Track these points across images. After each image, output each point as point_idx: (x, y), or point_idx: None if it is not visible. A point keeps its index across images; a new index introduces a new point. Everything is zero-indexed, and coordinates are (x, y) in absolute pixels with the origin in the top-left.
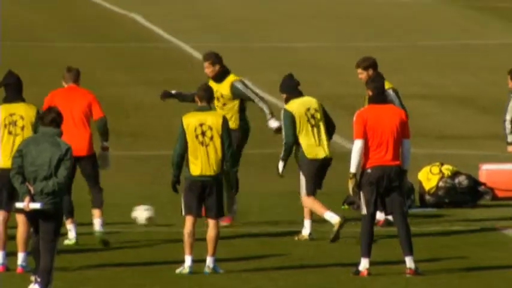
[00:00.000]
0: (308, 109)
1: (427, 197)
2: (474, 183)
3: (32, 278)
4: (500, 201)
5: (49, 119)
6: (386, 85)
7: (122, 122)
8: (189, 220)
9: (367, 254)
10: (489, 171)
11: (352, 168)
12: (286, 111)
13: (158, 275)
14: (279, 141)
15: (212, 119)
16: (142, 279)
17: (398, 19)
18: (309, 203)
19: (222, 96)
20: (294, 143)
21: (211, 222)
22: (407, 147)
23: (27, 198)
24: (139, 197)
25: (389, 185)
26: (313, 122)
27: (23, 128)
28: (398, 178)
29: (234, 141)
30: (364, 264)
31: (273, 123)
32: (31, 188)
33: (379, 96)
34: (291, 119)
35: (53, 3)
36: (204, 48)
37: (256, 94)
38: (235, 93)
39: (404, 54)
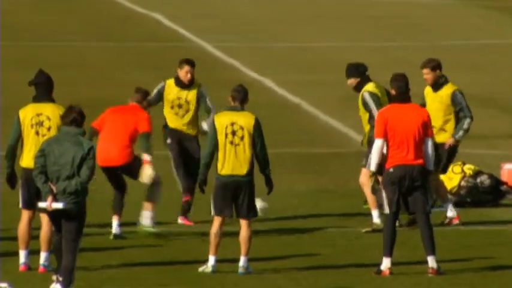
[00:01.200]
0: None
1: (449, 196)
2: (496, 182)
3: (54, 277)
4: None
5: (70, 119)
6: (451, 87)
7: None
8: (217, 220)
9: (389, 254)
10: (511, 171)
11: (372, 167)
12: (371, 93)
13: (180, 274)
14: (300, 141)
15: (244, 119)
16: (164, 278)
17: (417, 19)
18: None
19: (187, 102)
20: None
21: (243, 223)
22: (430, 147)
23: (49, 198)
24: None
25: (411, 184)
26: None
27: (49, 128)
28: (421, 177)
29: (197, 148)
30: (386, 263)
31: (205, 126)
32: (54, 188)
33: (402, 96)
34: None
35: (73, 4)
36: (225, 48)
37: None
38: (202, 98)
39: (423, 54)
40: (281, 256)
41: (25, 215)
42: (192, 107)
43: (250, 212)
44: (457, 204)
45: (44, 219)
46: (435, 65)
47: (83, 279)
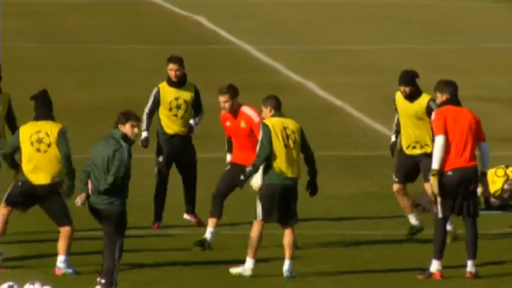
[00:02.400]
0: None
1: (492, 200)
2: None
3: (98, 279)
4: None
5: (115, 121)
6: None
7: None
8: (260, 224)
9: (440, 256)
10: None
11: (436, 165)
12: (432, 100)
13: (225, 276)
14: (342, 144)
15: (292, 124)
16: (208, 280)
17: (460, 21)
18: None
19: (185, 102)
20: None
21: (287, 227)
22: (485, 150)
23: (81, 195)
24: (201, 199)
25: (467, 187)
26: None
27: (49, 145)
28: (475, 180)
29: (192, 150)
30: (436, 266)
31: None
32: (89, 187)
33: (455, 99)
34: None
35: (115, 7)
36: (267, 50)
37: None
38: (197, 98)
39: (467, 56)
40: (325, 259)
41: (4, 210)
42: (189, 107)
43: (294, 216)
44: (500, 208)
45: (63, 232)
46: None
47: (128, 280)
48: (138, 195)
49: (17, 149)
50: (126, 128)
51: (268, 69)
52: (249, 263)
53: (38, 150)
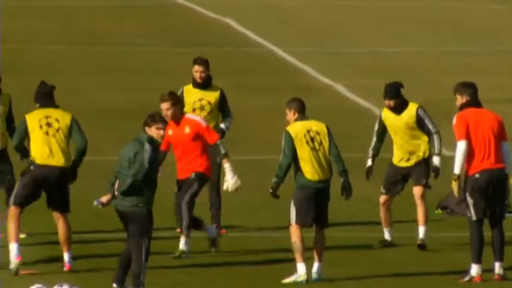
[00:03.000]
0: None
1: None
2: None
3: (114, 285)
4: None
5: (143, 123)
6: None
7: None
8: (298, 228)
9: (479, 260)
10: None
11: (457, 170)
12: (420, 108)
13: (251, 279)
14: (366, 147)
15: (317, 126)
16: (235, 283)
17: (486, 24)
18: None
19: (209, 103)
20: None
21: (320, 230)
22: (507, 150)
23: (105, 196)
24: (233, 202)
25: (495, 189)
26: None
27: (58, 130)
28: (502, 182)
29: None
30: (476, 270)
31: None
32: (115, 188)
33: (476, 100)
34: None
35: (145, 9)
36: (297, 53)
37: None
38: (222, 100)
39: (494, 59)
40: (352, 262)
41: (15, 210)
42: (214, 109)
43: (326, 220)
44: None
45: (62, 220)
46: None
47: (155, 284)
48: (161, 196)
49: (23, 138)
50: (152, 131)
51: (297, 72)
52: (300, 268)
53: (47, 133)
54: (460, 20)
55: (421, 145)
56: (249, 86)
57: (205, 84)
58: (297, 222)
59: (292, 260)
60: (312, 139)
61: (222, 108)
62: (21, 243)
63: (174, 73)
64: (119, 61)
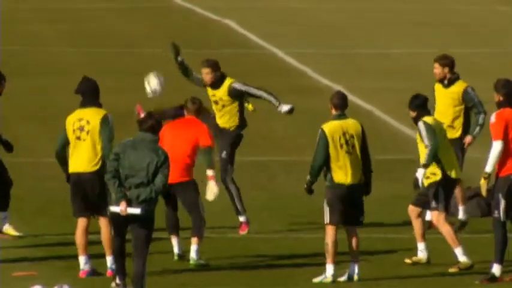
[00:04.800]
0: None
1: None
2: None
3: (113, 284)
4: None
5: (148, 125)
6: (463, 83)
7: None
8: (333, 229)
9: (502, 261)
10: None
11: (489, 168)
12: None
13: (253, 281)
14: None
15: (353, 127)
16: (238, 284)
17: (495, 25)
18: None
19: (220, 99)
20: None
21: (351, 230)
22: None
23: (123, 203)
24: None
25: None
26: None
27: (88, 132)
28: None
29: (227, 141)
30: (499, 270)
31: (285, 107)
32: (127, 193)
33: (511, 100)
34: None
35: (145, 10)
36: (298, 54)
37: (259, 88)
38: (235, 94)
39: (501, 61)
40: (366, 263)
41: (80, 222)
42: (229, 103)
43: (361, 219)
44: None
45: (103, 223)
46: (446, 63)
47: (157, 284)
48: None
49: (66, 142)
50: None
51: (298, 73)
52: (329, 269)
53: (78, 138)
54: (464, 22)
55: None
56: None
57: (215, 84)
58: (332, 222)
59: (296, 263)
60: (347, 142)
61: (242, 97)
62: (19, 245)
63: (175, 75)
64: (119, 63)
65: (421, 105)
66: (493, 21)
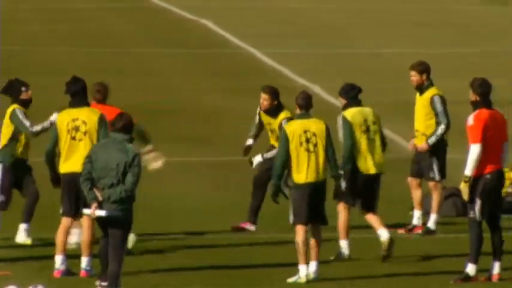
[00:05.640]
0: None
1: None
2: None
3: (97, 282)
4: None
5: (120, 125)
6: (434, 91)
7: (193, 128)
8: (301, 228)
9: (477, 260)
10: None
11: (469, 172)
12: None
13: (230, 282)
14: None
15: (315, 126)
16: (210, 285)
17: (487, 26)
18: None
19: (275, 130)
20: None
21: (315, 229)
22: (506, 151)
23: (94, 205)
24: (208, 203)
25: (500, 189)
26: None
27: (85, 133)
28: (503, 183)
29: None
30: (474, 269)
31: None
32: (99, 195)
33: (487, 101)
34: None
35: (126, 10)
36: (276, 54)
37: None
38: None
39: (490, 60)
40: (324, 261)
41: (64, 221)
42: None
43: (324, 218)
44: (506, 211)
45: (85, 223)
46: (422, 69)
47: (131, 285)
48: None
49: (57, 141)
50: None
51: (275, 73)
52: (302, 269)
53: (73, 138)
54: (455, 21)
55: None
56: (226, 87)
57: (271, 111)
58: (298, 221)
59: (272, 263)
60: (308, 140)
61: None
62: None
63: (153, 74)
64: (98, 63)
65: (353, 96)
66: (492, 21)
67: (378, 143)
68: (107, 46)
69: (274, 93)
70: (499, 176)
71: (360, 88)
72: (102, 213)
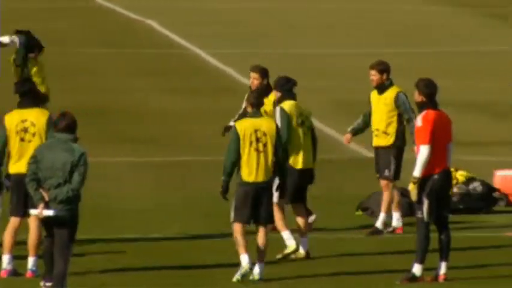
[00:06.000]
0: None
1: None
2: (488, 189)
3: (41, 283)
4: None
5: (63, 125)
6: (396, 89)
7: (139, 128)
8: (239, 226)
9: (423, 260)
10: (504, 177)
11: (418, 173)
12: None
13: (173, 282)
14: None
15: (266, 125)
16: (158, 285)
17: (419, 26)
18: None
19: (265, 113)
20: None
21: (261, 230)
22: (452, 151)
23: (41, 205)
24: (157, 203)
25: (448, 190)
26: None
27: (34, 134)
28: (451, 182)
29: None
30: (420, 270)
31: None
32: (45, 195)
33: (433, 102)
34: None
35: (67, 11)
36: (220, 54)
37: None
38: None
39: (421, 61)
40: (272, 262)
41: (12, 221)
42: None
43: (270, 219)
44: (452, 211)
45: (32, 224)
46: (383, 69)
47: (77, 285)
48: (87, 198)
49: (6, 141)
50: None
51: (219, 73)
52: (243, 259)
53: (22, 139)
54: (388, 21)
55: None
56: (171, 88)
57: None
58: (236, 219)
59: (215, 263)
60: (258, 139)
61: None
62: None
63: (97, 74)
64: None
65: (288, 89)
66: (411, 21)
67: (309, 138)
68: (50, 46)
69: (263, 72)
70: (447, 176)
71: (295, 81)
72: (50, 212)
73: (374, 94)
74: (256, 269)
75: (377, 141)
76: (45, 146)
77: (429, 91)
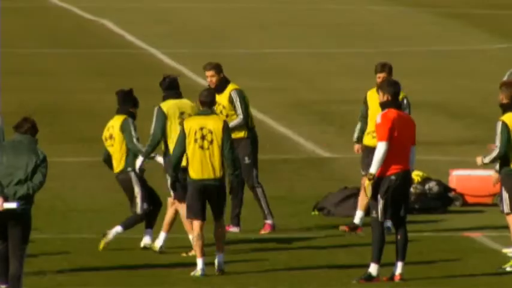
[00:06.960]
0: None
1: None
2: (444, 189)
3: (3, 286)
4: (470, 207)
5: (25, 128)
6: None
7: (94, 128)
8: (195, 224)
9: (379, 260)
10: (459, 177)
11: (374, 169)
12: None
13: (130, 279)
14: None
15: (213, 123)
16: (114, 284)
17: (369, 25)
18: None
19: (223, 107)
20: None
21: (215, 223)
22: (414, 154)
23: (0, 199)
24: (112, 203)
25: (406, 190)
26: None
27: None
28: (410, 183)
29: (245, 149)
30: (377, 269)
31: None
32: (5, 191)
33: (397, 102)
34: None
35: (24, 10)
36: (175, 54)
37: (243, 111)
38: (231, 102)
39: (376, 60)
40: (229, 261)
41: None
42: (231, 111)
43: (223, 214)
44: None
45: None
46: (390, 68)
47: (33, 286)
48: (42, 198)
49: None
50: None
51: (174, 72)
52: (198, 263)
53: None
54: (340, 22)
55: None
56: (125, 87)
57: (218, 88)
58: (188, 216)
59: (173, 262)
60: (203, 137)
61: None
62: None
63: (51, 74)
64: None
65: (170, 87)
66: (368, 21)
67: None
68: (4, 47)
69: (217, 68)
70: (404, 178)
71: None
72: (13, 205)
73: (373, 94)
74: (216, 260)
75: (372, 141)
76: (8, 145)
77: (394, 90)
